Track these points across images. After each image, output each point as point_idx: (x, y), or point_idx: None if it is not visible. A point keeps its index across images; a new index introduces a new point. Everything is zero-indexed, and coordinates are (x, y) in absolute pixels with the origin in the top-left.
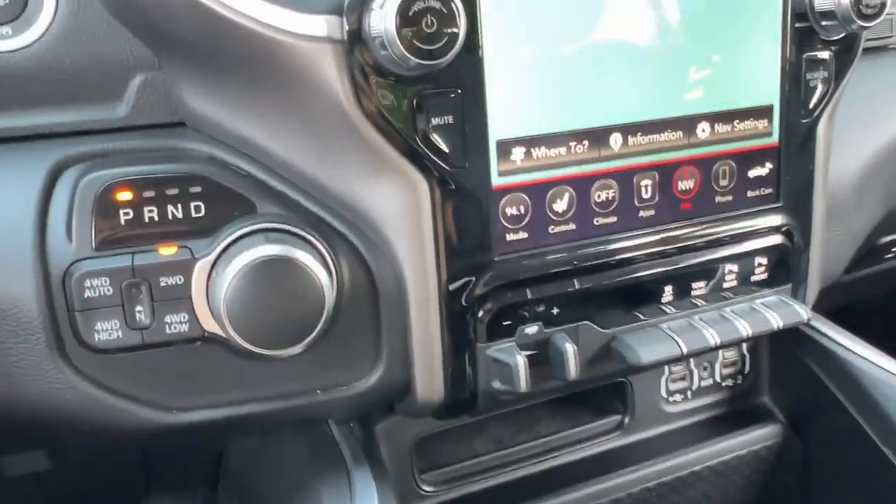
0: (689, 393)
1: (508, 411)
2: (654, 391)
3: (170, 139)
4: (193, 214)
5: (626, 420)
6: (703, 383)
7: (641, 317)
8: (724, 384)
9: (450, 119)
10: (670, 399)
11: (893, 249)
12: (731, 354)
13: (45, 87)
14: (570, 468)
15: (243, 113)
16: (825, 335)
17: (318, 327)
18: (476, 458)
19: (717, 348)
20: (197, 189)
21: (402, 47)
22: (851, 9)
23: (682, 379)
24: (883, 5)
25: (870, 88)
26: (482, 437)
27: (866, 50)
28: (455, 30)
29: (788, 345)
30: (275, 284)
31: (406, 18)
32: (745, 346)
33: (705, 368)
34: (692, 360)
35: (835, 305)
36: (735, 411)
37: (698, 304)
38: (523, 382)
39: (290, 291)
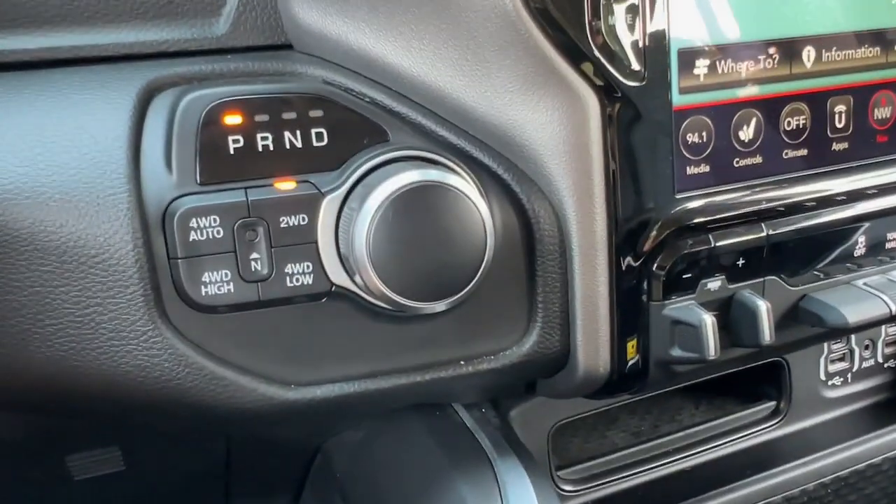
0: (849, 375)
1: (644, 399)
2: (812, 373)
3: (277, 61)
4: (315, 143)
5: (783, 406)
6: (865, 364)
7: (831, 273)
8: (886, 365)
9: (629, 22)
10: (829, 383)
11: None
12: (894, 330)
13: None
14: (724, 463)
15: (370, 23)
16: None
17: (480, 272)
18: (615, 452)
19: None
20: (318, 113)
21: None
22: None
23: (842, 359)
24: None
25: None
26: (617, 429)
27: None
28: None
29: None
30: (429, 218)
31: None
32: None
33: (867, 347)
34: (853, 338)
35: None
36: None
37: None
38: (712, 347)
39: (449, 226)
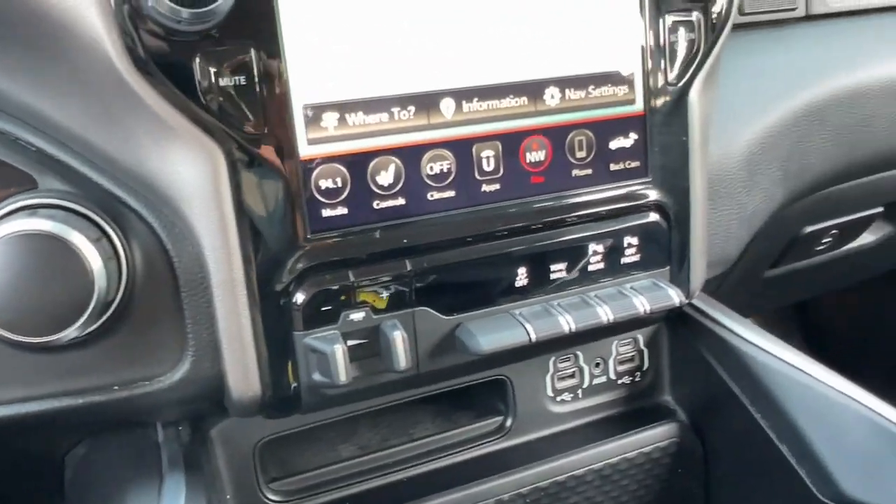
0: (579, 392)
1: (380, 413)
2: (537, 389)
3: None
4: None
5: (509, 422)
6: (596, 381)
7: (495, 303)
8: (620, 382)
9: (241, 80)
10: (558, 398)
11: (824, 241)
12: (626, 350)
13: None
14: (446, 473)
15: (26, 81)
16: (720, 324)
17: (89, 310)
18: (337, 464)
19: (572, 335)
20: None
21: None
22: None
23: (572, 377)
24: None
25: (767, 61)
26: (349, 443)
27: (769, 22)
28: None
29: (686, 337)
30: (33, 263)
31: None
32: (641, 340)
33: (598, 365)
34: (581, 356)
35: (779, 303)
36: (633, 411)
37: (566, 287)
38: (342, 373)
39: (51, 271)
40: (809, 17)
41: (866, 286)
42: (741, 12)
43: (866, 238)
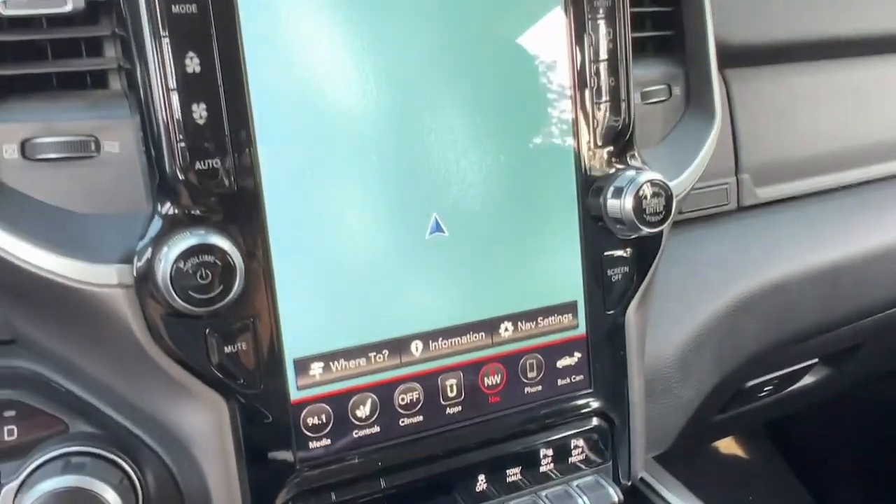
0: None
1: None
2: None
3: None
4: (6, 437)
5: None
6: None
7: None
8: None
9: (243, 346)
10: None
11: (766, 389)
12: None
13: None
14: None
15: (59, 339)
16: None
17: None
18: None
19: None
20: (11, 413)
21: (178, 299)
22: (636, 217)
23: None
24: (667, 212)
25: (700, 255)
26: None
27: (703, 218)
28: (233, 280)
29: None
30: None
31: (181, 273)
32: None
33: None
34: None
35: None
36: None
37: (521, 488)
38: None
39: None
40: (741, 209)
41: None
42: (679, 212)
43: (807, 380)
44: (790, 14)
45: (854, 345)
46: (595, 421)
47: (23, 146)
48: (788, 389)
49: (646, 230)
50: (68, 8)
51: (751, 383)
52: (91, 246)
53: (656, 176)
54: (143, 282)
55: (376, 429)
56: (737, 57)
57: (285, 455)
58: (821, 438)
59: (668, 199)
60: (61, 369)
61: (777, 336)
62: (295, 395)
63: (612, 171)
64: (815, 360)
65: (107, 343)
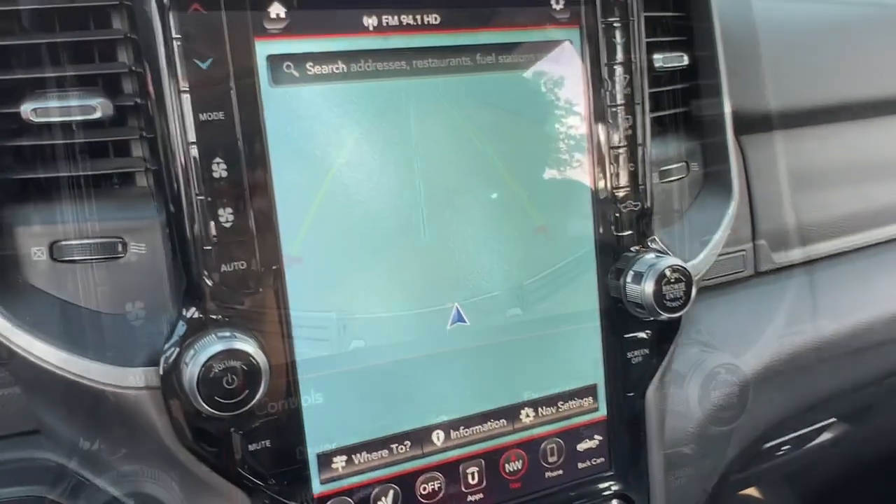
0: None
1: None
2: None
3: (21, 450)
4: None
5: None
6: None
7: None
8: None
9: (266, 443)
10: None
11: (783, 448)
12: None
13: None
14: None
15: (87, 434)
16: None
17: None
18: None
19: None
20: None
21: (205, 405)
22: (656, 303)
23: None
24: (687, 298)
25: (716, 332)
26: None
27: (719, 285)
28: (258, 384)
29: None
30: None
31: (208, 380)
32: None
33: None
34: None
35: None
36: None
37: None
38: None
39: None
40: (759, 274)
41: None
42: None
43: (825, 436)
44: (803, 80)
45: (870, 404)
46: (616, 503)
47: (51, 248)
48: (806, 447)
49: (665, 315)
50: (97, 115)
51: (768, 445)
52: (117, 347)
53: (676, 262)
54: (169, 384)
55: None
56: (752, 123)
57: None
58: (841, 481)
59: (689, 284)
60: (88, 464)
61: (796, 404)
62: (318, 489)
63: (632, 254)
64: (833, 419)
65: (131, 441)
